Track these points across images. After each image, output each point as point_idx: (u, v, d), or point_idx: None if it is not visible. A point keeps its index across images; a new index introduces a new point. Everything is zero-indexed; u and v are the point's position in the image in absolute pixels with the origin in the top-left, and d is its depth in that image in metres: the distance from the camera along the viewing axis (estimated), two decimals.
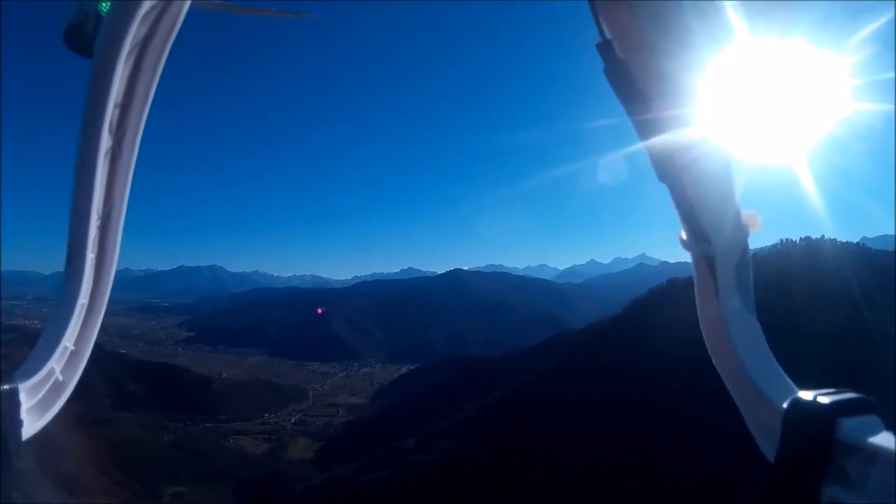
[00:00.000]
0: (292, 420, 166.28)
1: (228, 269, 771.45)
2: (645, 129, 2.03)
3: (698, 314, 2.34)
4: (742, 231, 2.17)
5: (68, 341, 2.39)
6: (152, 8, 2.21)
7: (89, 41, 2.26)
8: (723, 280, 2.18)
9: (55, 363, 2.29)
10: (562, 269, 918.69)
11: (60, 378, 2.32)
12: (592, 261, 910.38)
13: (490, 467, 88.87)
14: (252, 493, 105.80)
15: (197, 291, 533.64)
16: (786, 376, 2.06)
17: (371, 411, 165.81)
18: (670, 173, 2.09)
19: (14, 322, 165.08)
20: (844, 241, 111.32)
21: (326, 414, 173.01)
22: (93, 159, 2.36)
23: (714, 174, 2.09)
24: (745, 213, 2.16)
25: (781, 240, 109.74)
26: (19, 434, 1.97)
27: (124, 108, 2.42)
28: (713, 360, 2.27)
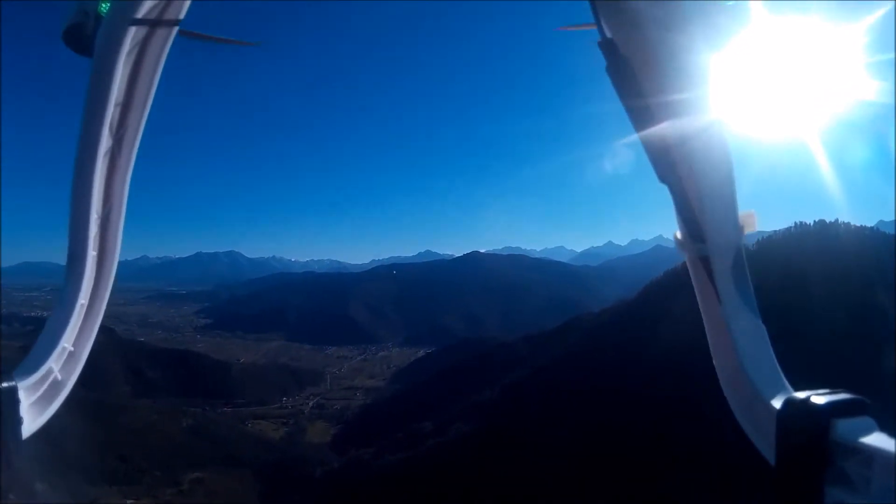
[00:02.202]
0: (310, 404, 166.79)
1: (246, 254, 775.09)
2: (645, 126, 2.04)
3: (702, 315, 2.35)
4: (738, 231, 2.17)
5: (67, 341, 2.39)
6: (152, 8, 2.25)
7: (89, 41, 2.27)
8: (720, 280, 2.17)
9: (54, 363, 2.30)
10: (579, 251, 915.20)
11: (59, 377, 2.33)
12: (610, 243, 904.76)
13: (506, 450, 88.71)
14: (271, 477, 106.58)
15: (215, 278, 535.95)
16: (782, 376, 2.05)
17: (388, 394, 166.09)
18: (670, 173, 2.10)
19: (33, 314, 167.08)
20: (859, 224, 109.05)
21: (344, 397, 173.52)
22: (92, 159, 2.38)
23: (714, 174, 2.08)
24: (742, 214, 2.15)
25: (796, 223, 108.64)
26: (19, 432, 1.98)
27: (124, 107, 2.44)
28: (714, 361, 2.28)
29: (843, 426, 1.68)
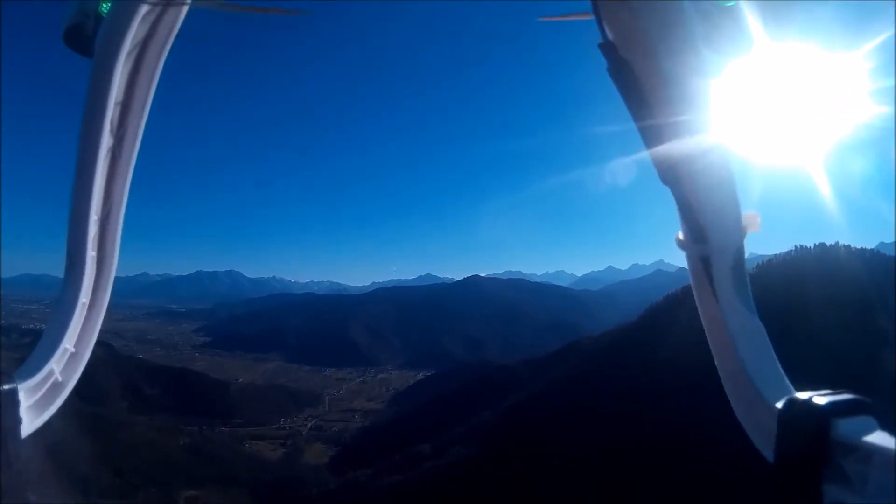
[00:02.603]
0: (308, 425, 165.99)
1: (246, 274, 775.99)
2: (647, 129, 2.03)
3: (700, 315, 2.34)
4: (740, 232, 2.16)
5: (68, 342, 2.40)
6: (152, 8, 2.23)
7: (89, 41, 2.26)
8: (719, 280, 2.18)
9: (55, 364, 2.31)
10: (579, 275, 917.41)
11: (60, 379, 2.33)
12: (610, 267, 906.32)
13: (504, 474, 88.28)
14: (267, 498, 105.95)
15: (214, 297, 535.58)
16: (784, 377, 2.07)
17: (387, 417, 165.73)
18: (672, 175, 2.09)
19: (31, 326, 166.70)
20: (859, 247, 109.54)
21: (342, 419, 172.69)
22: (93, 159, 2.37)
23: (717, 175, 2.08)
24: (745, 214, 2.15)
25: (796, 246, 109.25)
26: (19, 433, 1.98)
27: (124, 108, 2.43)
28: (715, 361, 2.27)
29: (843, 425, 1.68)
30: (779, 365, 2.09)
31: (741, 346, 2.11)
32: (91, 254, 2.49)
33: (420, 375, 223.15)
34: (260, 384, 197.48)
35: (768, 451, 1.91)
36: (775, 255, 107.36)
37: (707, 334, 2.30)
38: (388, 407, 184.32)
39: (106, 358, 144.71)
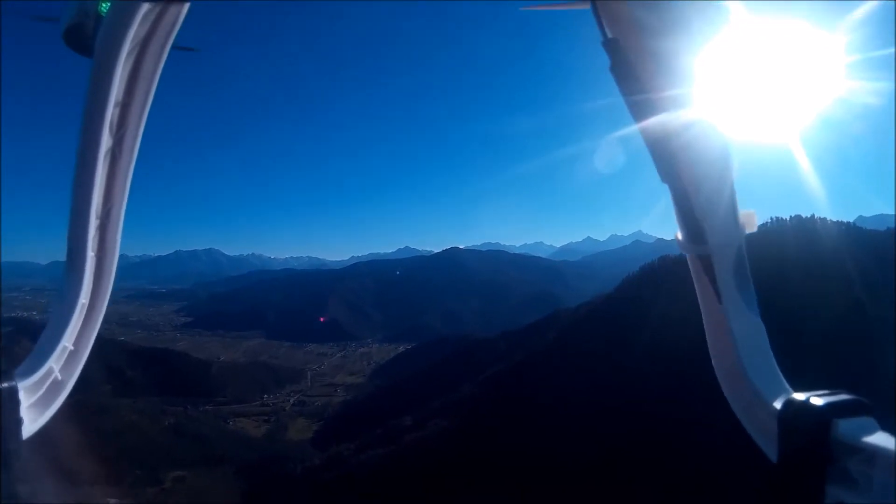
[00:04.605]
0: (291, 401, 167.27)
1: (225, 252, 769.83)
2: (649, 126, 2.06)
3: (703, 316, 2.38)
4: (738, 231, 2.19)
5: (68, 341, 2.45)
6: (152, 8, 2.25)
7: (89, 41, 2.29)
8: (721, 280, 2.20)
9: (54, 362, 2.34)
10: (558, 246, 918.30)
11: (59, 377, 2.38)
12: (589, 238, 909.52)
13: (485, 445, 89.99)
14: (253, 475, 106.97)
15: (194, 276, 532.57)
16: (781, 377, 2.09)
17: (368, 391, 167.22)
18: (672, 173, 2.13)
19: (13, 314, 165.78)
20: (837, 220, 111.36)
21: (325, 394, 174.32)
22: (93, 159, 2.42)
23: (714, 173, 2.11)
24: (743, 213, 2.18)
25: (772, 218, 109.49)
26: (19, 432, 2.01)
27: (124, 108, 2.48)
28: (713, 361, 2.32)
29: (843, 426, 1.70)
30: (776, 365, 2.14)
31: (741, 345, 2.15)
32: (91, 254, 2.57)
33: (400, 349, 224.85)
34: (242, 362, 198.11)
35: (771, 451, 1.93)
36: None
37: (707, 334, 2.37)
38: (369, 381, 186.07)
39: None
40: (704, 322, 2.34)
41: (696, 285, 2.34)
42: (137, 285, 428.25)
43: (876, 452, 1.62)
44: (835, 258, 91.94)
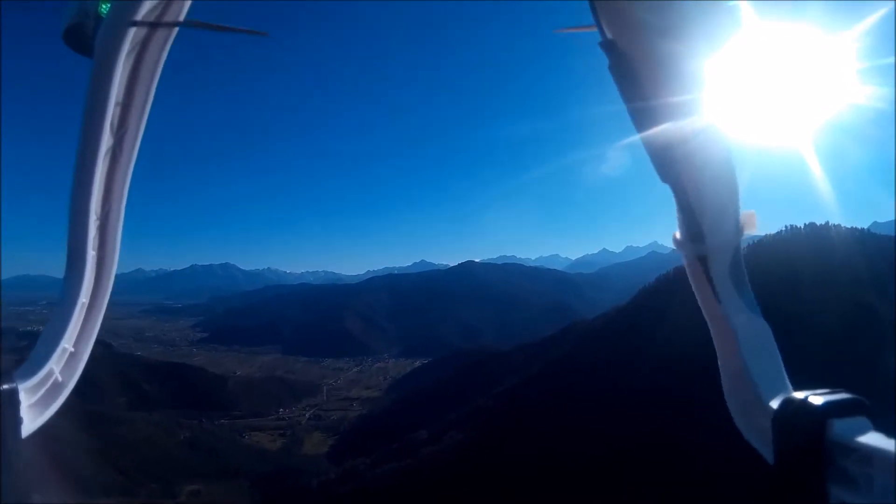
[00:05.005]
0: (307, 415, 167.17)
1: (241, 266, 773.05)
2: (647, 127, 2.02)
3: (706, 319, 2.32)
4: (738, 231, 2.15)
5: (68, 342, 2.41)
6: (152, 8, 2.23)
7: (89, 41, 2.26)
8: (718, 280, 2.17)
9: (54, 364, 2.31)
10: (574, 258, 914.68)
11: (59, 379, 2.34)
12: (604, 250, 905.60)
13: (500, 458, 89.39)
14: (268, 489, 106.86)
15: (210, 290, 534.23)
16: (785, 376, 2.05)
17: (384, 405, 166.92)
18: (672, 173, 2.08)
19: (29, 328, 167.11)
20: (850, 226, 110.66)
21: (340, 408, 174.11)
22: (93, 159, 2.38)
23: (716, 173, 2.07)
24: (744, 214, 2.14)
25: (786, 226, 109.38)
26: (19, 433, 1.98)
27: (124, 107, 2.44)
28: (719, 361, 2.24)
29: (839, 426, 1.68)
30: (782, 365, 2.11)
31: (744, 345, 2.12)
32: (91, 254, 2.55)
33: (416, 363, 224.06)
34: (258, 376, 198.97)
35: (766, 451, 1.91)
36: (766, 234, 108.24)
37: (713, 337, 2.33)
38: (385, 395, 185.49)
39: (104, 356, 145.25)
40: (709, 325, 2.31)
41: (693, 287, 2.31)
42: (153, 300, 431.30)
43: (872, 453, 1.60)
44: (849, 264, 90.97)
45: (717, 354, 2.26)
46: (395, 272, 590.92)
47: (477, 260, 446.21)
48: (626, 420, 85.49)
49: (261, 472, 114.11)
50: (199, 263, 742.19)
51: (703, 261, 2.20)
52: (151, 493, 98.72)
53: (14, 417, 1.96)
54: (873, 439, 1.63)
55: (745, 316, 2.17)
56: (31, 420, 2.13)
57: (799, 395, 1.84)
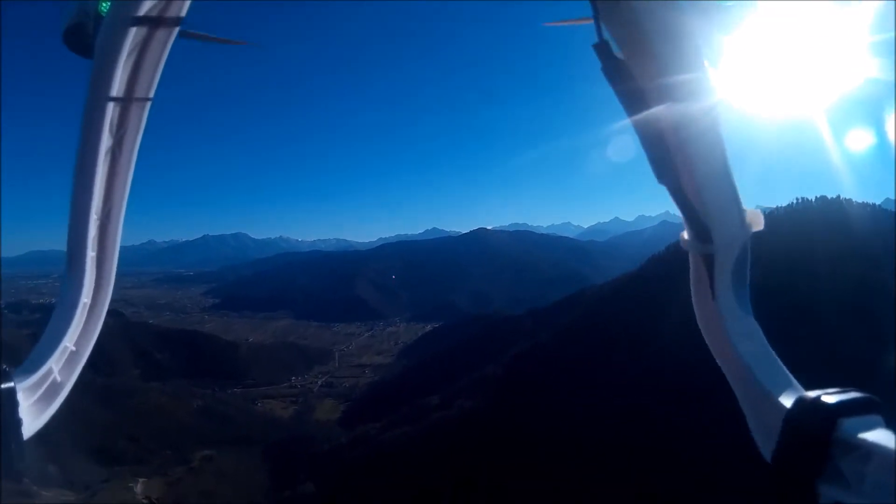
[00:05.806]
0: (319, 382, 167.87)
1: (252, 236, 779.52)
2: (644, 126, 2.00)
3: (695, 313, 2.33)
4: (745, 230, 2.14)
5: (69, 341, 2.39)
6: (152, 8, 2.21)
7: (89, 41, 2.26)
8: (719, 279, 2.17)
9: (54, 363, 2.30)
10: (586, 226, 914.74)
11: (58, 378, 2.32)
12: (616, 218, 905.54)
13: (510, 423, 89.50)
14: (280, 455, 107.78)
15: (222, 260, 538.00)
16: (790, 375, 2.02)
17: (396, 370, 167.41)
18: (668, 173, 2.06)
19: (41, 301, 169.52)
20: (862, 201, 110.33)
21: (352, 375, 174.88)
22: (93, 159, 2.38)
23: (714, 173, 2.06)
24: (749, 212, 2.13)
25: (797, 199, 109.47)
26: (19, 433, 1.97)
27: (124, 108, 2.43)
28: (716, 359, 2.24)
29: (848, 424, 1.65)
30: (781, 363, 2.06)
31: (740, 345, 2.09)
32: (91, 254, 2.51)
33: (428, 328, 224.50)
34: (270, 343, 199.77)
35: (767, 450, 1.89)
36: (777, 206, 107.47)
37: (703, 332, 2.30)
38: (396, 360, 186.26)
39: (116, 326, 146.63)
40: (698, 320, 2.34)
41: (692, 280, 2.33)
42: (165, 269, 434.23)
43: (872, 450, 1.59)
44: (860, 240, 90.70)
45: (713, 351, 2.28)
46: (407, 239, 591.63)
47: (489, 227, 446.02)
48: (637, 385, 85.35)
49: (273, 438, 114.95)
50: (211, 234, 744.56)
51: (708, 260, 2.20)
52: (165, 459, 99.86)
53: (13, 417, 1.96)
54: (879, 437, 1.61)
55: (738, 315, 2.18)
56: (30, 420, 2.12)
57: (812, 393, 1.81)
